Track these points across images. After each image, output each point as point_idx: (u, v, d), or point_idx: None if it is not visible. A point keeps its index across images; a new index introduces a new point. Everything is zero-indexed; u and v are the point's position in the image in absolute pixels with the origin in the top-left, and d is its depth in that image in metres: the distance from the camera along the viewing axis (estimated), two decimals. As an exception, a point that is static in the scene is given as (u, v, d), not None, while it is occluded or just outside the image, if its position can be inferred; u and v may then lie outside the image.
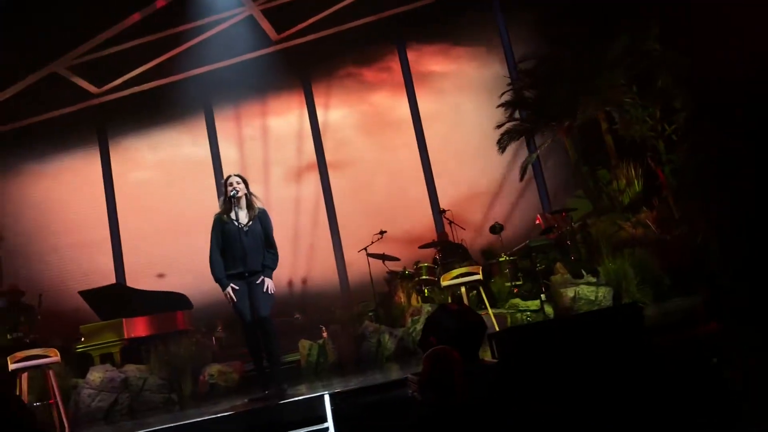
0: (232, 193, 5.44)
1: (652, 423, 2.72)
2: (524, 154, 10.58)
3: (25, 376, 6.16)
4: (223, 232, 5.42)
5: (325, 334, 7.94)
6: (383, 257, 9.30)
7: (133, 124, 12.02)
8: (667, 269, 7.42)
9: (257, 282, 5.37)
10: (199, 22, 10.26)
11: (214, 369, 7.47)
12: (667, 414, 2.74)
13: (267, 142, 12.00)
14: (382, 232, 9.22)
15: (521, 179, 10.30)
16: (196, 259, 10.87)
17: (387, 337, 7.58)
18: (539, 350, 3.17)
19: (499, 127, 10.28)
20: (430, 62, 11.87)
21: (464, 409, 2.93)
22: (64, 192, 11.84)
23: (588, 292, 7.46)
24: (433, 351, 3.09)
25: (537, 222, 9.54)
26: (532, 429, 3.03)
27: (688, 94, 8.91)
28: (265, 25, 10.61)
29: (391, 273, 9.34)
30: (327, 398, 4.50)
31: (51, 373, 6.30)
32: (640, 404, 2.79)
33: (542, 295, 7.60)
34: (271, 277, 5.44)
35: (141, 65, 10.96)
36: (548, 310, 7.51)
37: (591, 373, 2.88)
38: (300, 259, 11.27)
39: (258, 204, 5.57)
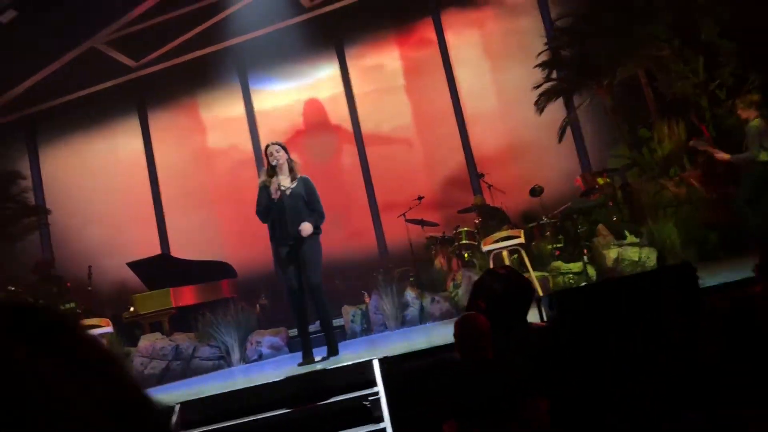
0: (273, 163, 5.55)
1: (709, 389, 2.70)
2: (563, 113, 10.39)
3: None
4: (268, 197, 5.51)
5: (367, 300, 8.01)
6: (422, 222, 9.26)
7: (171, 96, 12.15)
8: (713, 228, 7.28)
9: (302, 247, 5.47)
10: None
11: (260, 336, 7.63)
12: (728, 379, 2.71)
13: (302, 109, 12.01)
14: (419, 198, 9.19)
15: (560, 140, 10.12)
16: (238, 228, 11.11)
17: (429, 302, 7.63)
18: (593, 312, 3.16)
19: (536, 87, 10.10)
20: (465, 26, 11.66)
21: (493, 368, 3.02)
22: (108, 165, 12.05)
23: (631, 253, 7.38)
24: (461, 317, 3.30)
25: (577, 183, 9.41)
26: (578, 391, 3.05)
27: (732, 47, 8.64)
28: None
29: (430, 238, 9.30)
30: (376, 363, 4.55)
31: (104, 342, 6.52)
32: (697, 369, 2.77)
33: (585, 257, 7.51)
34: (313, 232, 5.53)
35: (176, 38, 11.01)
36: (591, 272, 7.44)
37: (646, 336, 2.86)
38: (337, 226, 11.30)
39: (299, 170, 5.65)
